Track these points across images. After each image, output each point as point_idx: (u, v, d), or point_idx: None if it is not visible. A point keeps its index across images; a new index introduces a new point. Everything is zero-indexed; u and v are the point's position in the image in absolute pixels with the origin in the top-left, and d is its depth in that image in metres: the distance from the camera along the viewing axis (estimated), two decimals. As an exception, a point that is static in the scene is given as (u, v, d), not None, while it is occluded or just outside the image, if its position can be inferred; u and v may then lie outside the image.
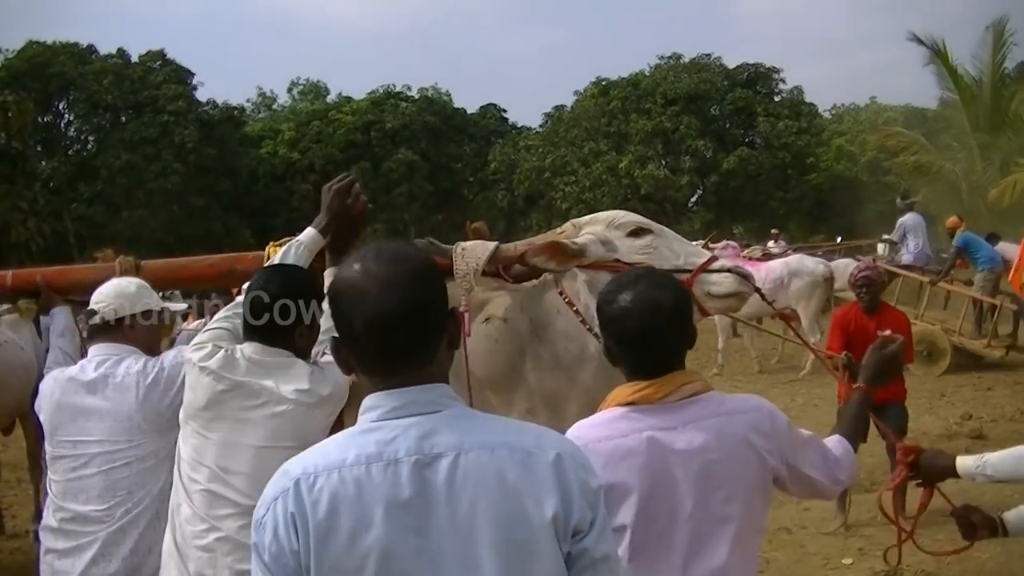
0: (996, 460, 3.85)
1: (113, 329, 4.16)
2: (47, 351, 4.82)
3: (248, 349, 3.46)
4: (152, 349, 4.25)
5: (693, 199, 48.24)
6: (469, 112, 55.80)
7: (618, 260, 3.99)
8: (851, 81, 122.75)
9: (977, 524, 3.76)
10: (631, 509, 2.67)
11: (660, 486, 2.69)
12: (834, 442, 3.11)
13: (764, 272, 16.58)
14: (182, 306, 5.29)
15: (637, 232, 4.07)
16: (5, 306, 4.90)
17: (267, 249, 4.43)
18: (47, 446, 4.17)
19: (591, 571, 2.09)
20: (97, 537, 3.92)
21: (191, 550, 3.36)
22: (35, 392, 4.53)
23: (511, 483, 2.03)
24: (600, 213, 4.30)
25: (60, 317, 4.68)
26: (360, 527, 2.00)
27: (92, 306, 4.16)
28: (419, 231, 46.89)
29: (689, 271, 3.93)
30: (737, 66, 48.76)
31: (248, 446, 3.33)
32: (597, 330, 3.26)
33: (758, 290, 4.20)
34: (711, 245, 17.46)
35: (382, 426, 2.07)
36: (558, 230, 4.30)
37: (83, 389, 4.02)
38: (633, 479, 2.65)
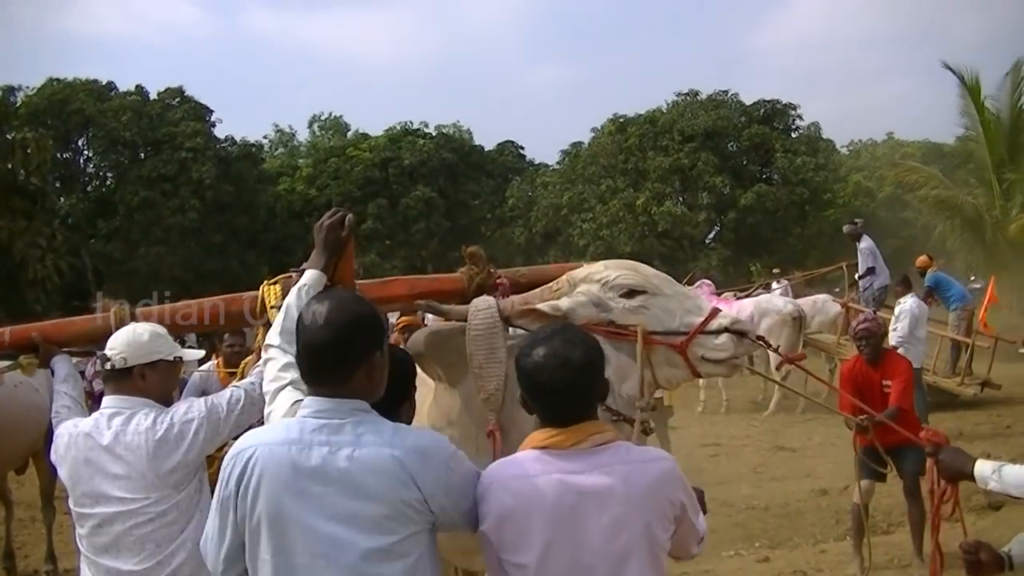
0: (1010, 473, 4.10)
1: (124, 377, 4.23)
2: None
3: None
4: (165, 397, 4.34)
5: (711, 235, 48.08)
6: (487, 149, 55.89)
7: (612, 322, 4.05)
8: (868, 116, 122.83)
9: (984, 561, 3.99)
10: (536, 548, 2.91)
11: (564, 526, 2.91)
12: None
13: (735, 311, 16.67)
14: (198, 353, 5.25)
15: (630, 294, 4.05)
16: (6, 363, 4.92)
17: (261, 289, 4.45)
18: (70, 502, 4.24)
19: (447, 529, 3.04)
20: None
21: None
22: (49, 434, 4.56)
23: (385, 472, 2.84)
24: (598, 267, 4.25)
25: (61, 365, 4.70)
26: (277, 484, 2.85)
27: (106, 352, 4.24)
28: (436, 268, 46.95)
29: (684, 333, 3.98)
30: (754, 102, 48.59)
31: None
32: None
33: (762, 338, 4.32)
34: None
35: (307, 422, 2.92)
36: (554, 285, 4.29)
37: (98, 448, 4.09)
38: (539, 517, 2.90)
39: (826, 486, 11.20)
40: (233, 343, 8.39)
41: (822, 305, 18.75)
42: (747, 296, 18.04)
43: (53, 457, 4.30)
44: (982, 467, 4.16)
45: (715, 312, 4.00)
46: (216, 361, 8.59)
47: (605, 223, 45.11)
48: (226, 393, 4.28)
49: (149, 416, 4.12)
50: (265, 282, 4.48)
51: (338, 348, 2.95)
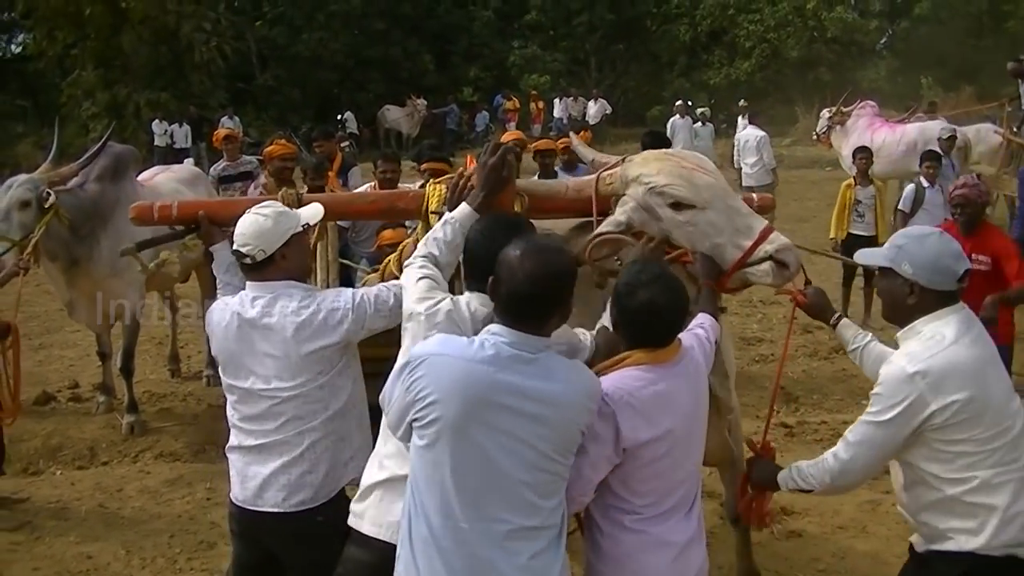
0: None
1: (266, 266, 4.21)
2: None
3: (475, 301, 3.63)
4: (303, 269, 4.41)
5: (881, 42, 46.56)
6: (656, -60, 54.14)
7: (667, 240, 4.08)
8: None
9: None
10: (671, 440, 3.45)
11: (685, 421, 3.52)
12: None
13: (899, 135, 16.30)
14: (318, 209, 4.63)
15: (677, 206, 4.03)
16: (175, 244, 5.40)
17: (428, 188, 4.72)
18: (220, 371, 4.41)
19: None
20: (279, 452, 4.19)
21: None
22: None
23: (561, 405, 3.19)
24: (650, 169, 4.14)
25: (223, 254, 4.75)
26: (471, 396, 3.11)
27: (238, 248, 4.22)
28: (599, 61, 46.65)
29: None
30: (935, -98, 46.03)
31: None
32: None
33: (808, 283, 4.35)
34: (843, 109, 17.38)
35: (501, 347, 3.17)
36: (607, 178, 4.37)
37: (246, 324, 4.17)
38: (671, 417, 3.45)
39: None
40: (386, 169, 8.57)
41: (984, 135, 18.10)
42: (908, 121, 17.64)
43: (207, 329, 4.44)
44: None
45: (765, 234, 3.96)
46: (372, 185, 8.61)
47: (772, 26, 43.73)
48: (373, 291, 4.22)
49: (294, 298, 4.14)
50: (432, 181, 4.75)
51: (542, 301, 3.21)
